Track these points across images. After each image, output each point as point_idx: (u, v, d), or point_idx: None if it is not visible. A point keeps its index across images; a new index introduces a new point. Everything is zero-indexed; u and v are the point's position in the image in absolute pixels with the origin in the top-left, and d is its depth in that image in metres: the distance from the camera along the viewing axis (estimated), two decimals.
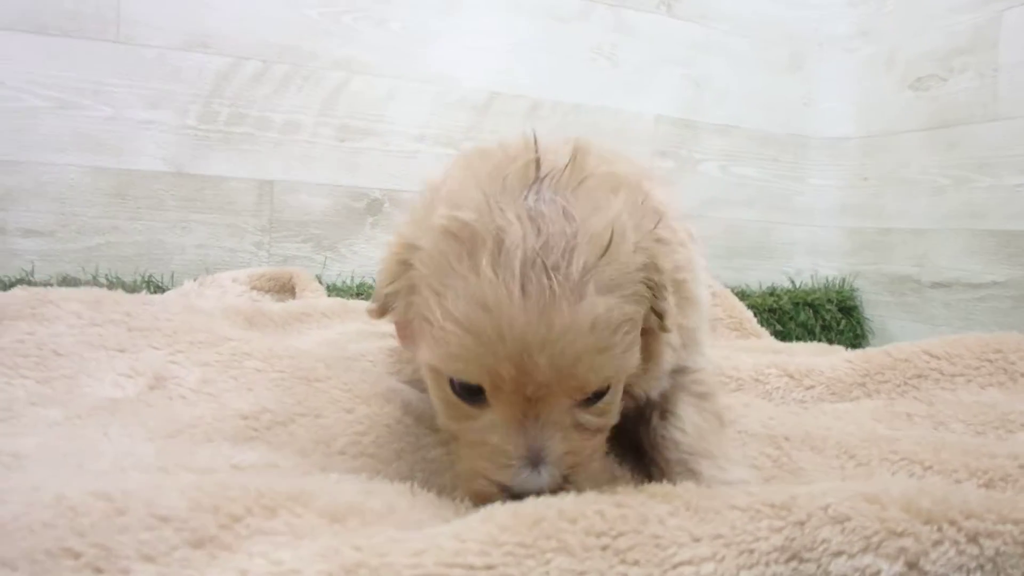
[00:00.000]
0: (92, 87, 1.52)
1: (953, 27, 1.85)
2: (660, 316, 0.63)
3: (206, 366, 0.92)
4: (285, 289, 1.52)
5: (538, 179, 0.58)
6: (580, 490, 0.57)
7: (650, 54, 1.95)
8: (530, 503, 0.53)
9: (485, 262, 0.54)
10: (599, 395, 0.60)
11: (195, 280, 1.48)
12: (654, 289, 0.61)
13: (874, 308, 2.04)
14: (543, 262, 0.53)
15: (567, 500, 0.54)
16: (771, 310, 1.98)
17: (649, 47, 1.95)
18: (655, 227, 0.66)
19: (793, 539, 0.51)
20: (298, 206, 1.69)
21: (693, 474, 0.70)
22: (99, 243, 1.56)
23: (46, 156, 1.51)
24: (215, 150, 1.62)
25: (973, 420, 0.97)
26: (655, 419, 0.75)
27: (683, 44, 1.98)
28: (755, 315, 1.94)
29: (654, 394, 0.74)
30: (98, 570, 0.44)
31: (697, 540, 0.50)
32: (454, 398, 0.60)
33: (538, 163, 0.59)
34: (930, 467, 0.79)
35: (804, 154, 2.14)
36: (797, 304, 2.00)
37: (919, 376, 1.10)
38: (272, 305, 1.33)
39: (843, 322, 2.01)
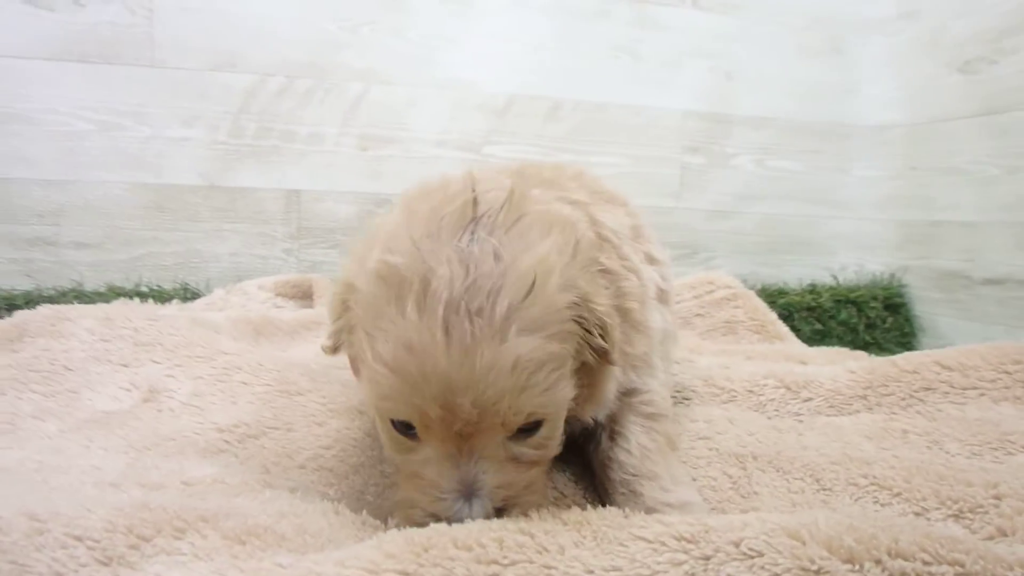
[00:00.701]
0: (132, 109, 1.64)
1: (1002, 5, 1.73)
2: (598, 352, 0.64)
3: (198, 379, 1.00)
4: (307, 295, 1.60)
5: (475, 219, 0.61)
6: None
7: (676, 48, 1.92)
8: (428, 529, 0.56)
9: (411, 305, 0.57)
10: (532, 429, 0.62)
11: (224, 289, 1.58)
12: (586, 325, 0.62)
13: (923, 305, 1.94)
14: (466, 305, 0.56)
15: (470, 527, 0.56)
16: (810, 308, 1.92)
17: (674, 41, 1.91)
18: (597, 259, 0.69)
19: (693, 575, 0.51)
20: (324, 214, 1.77)
21: (635, 495, 0.71)
22: (142, 253, 1.68)
23: (93, 175, 1.64)
24: (245, 163, 1.72)
25: (972, 439, 0.93)
26: (604, 440, 0.77)
27: (711, 35, 1.93)
28: (793, 314, 1.89)
29: (600, 417, 0.76)
30: None
31: (590, 572, 0.51)
32: (394, 432, 0.63)
33: (475, 202, 0.62)
34: (899, 494, 0.77)
35: (847, 144, 2.05)
36: (839, 302, 1.93)
37: (926, 389, 1.05)
38: (283, 314, 1.41)
39: (889, 320, 1.93)
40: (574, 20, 1.86)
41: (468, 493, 0.60)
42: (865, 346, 1.89)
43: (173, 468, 0.77)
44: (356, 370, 0.71)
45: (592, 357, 0.65)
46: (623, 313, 0.73)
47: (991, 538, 0.68)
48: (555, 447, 0.66)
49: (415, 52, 1.77)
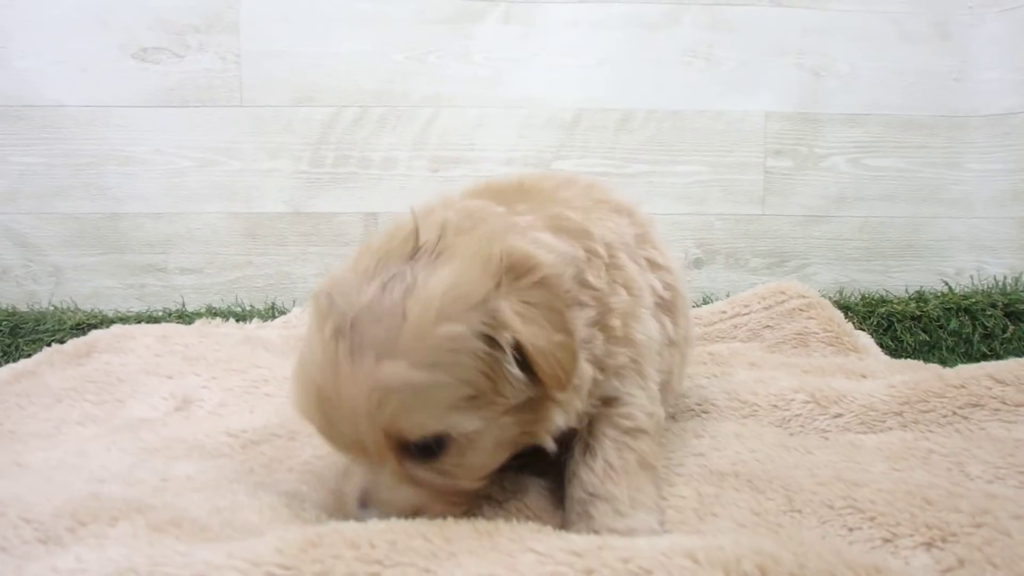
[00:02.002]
0: (225, 146, 1.81)
1: None
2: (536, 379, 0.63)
3: (229, 391, 1.08)
4: None
5: (415, 251, 0.64)
6: None
7: (754, 48, 1.83)
8: (327, 526, 0.59)
9: (315, 325, 0.62)
10: (428, 451, 0.63)
11: (301, 308, 1.69)
12: (492, 356, 0.62)
13: None
14: (350, 329, 0.59)
15: (367, 527, 0.59)
16: (914, 318, 1.75)
17: (752, 41, 1.83)
18: (582, 275, 0.70)
19: None
20: None
21: (587, 516, 0.69)
22: (237, 276, 1.84)
23: (194, 206, 1.81)
24: (326, 190, 1.83)
25: (1001, 462, 0.83)
26: (576, 452, 0.75)
27: (793, 32, 1.83)
28: (894, 324, 1.74)
29: (577, 423, 0.73)
30: None
31: None
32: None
33: (416, 235, 0.65)
34: (872, 518, 0.70)
35: (959, 136, 1.85)
36: (948, 310, 1.75)
37: (973, 405, 0.94)
38: None
39: (1011, 329, 1.72)
40: (641, 30, 1.82)
41: (363, 501, 0.63)
42: (982, 357, 1.70)
43: (162, 468, 0.83)
44: None
45: (520, 387, 0.63)
46: (605, 329, 0.72)
47: (949, 569, 0.61)
48: (470, 478, 0.66)
49: (481, 74, 1.81)
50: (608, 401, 0.76)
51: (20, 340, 1.73)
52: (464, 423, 0.62)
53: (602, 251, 0.75)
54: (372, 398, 0.59)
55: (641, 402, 0.77)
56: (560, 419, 0.69)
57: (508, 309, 0.62)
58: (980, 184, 1.86)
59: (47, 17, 1.76)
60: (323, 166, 1.82)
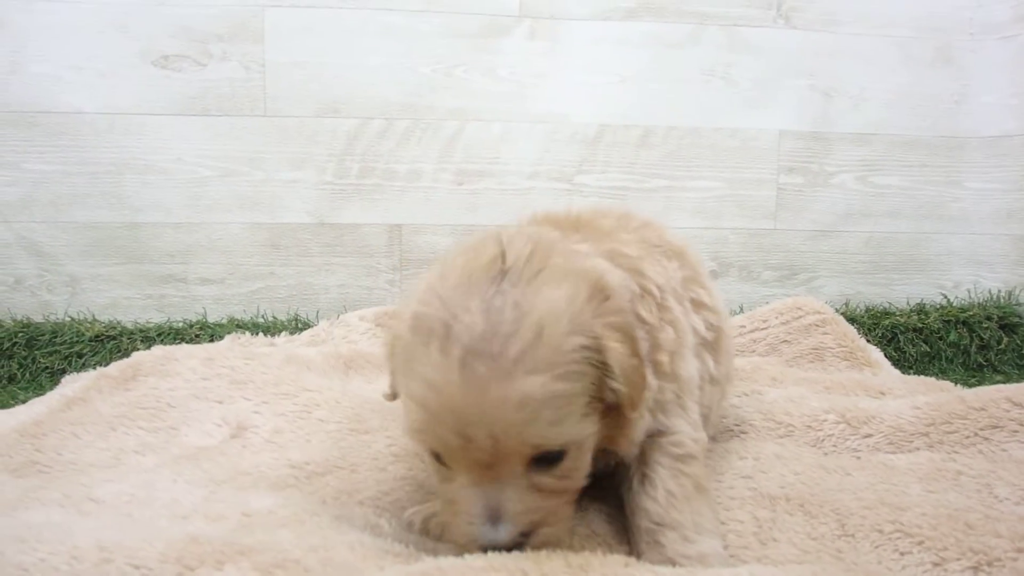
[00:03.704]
0: (248, 156, 1.79)
1: None
2: (619, 393, 0.68)
3: (281, 416, 1.09)
4: None
5: (502, 272, 0.67)
6: (537, 547, 0.66)
7: (769, 69, 1.89)
8: (427, 563, 0.63)
9: (435, 349, 0.64)
10: (554, 460, 0.67)
11: (328, 321, 1.69)
12: (600, 368, 0.67)
13: None
14: (481, 349, 0.62)
15: (466, 562, 0.62)
16: (916, 329, 1.85)
17: (768, 62, 1.89)
18: (635, 309, 0.75)
19: None
20: (424, 246, 1.86)
21: (658, 545, 0.74)
22: (259, 287, 1.83)
23: (215, 216, 1.80)
24: (350, 201, 1.83)
25: None
26: (635, 483, 0.80)
27: (807, 54, 1.89)
28: (898, 335, 1.83)
29: (628, 457, 0.79)
30: None
31: None
32: (432, 461, 0.70)
33: (504, 257, 0.68)
34: (921, 542, 0.76)
35: (959, 156, 1.95)
36: (948, 322, 1.84)
37: (994, 427, 1.02)
38: (374, 347, 1.50)
39: (1005, 341, 1.82)
40: (663, 49, 1.87)
41: (494, 518, 0.66)
42: (979, 368, 1.80)
43: (238, 501, 0.84)
44: None
45: (614, 397, 0.69)
46: (654, 364, 0.77)
47: None
48: (579, 479, 0.71)
49: (506, 90, 1.83)
50: (656, 433, 0.81)
51: (37, 352, 1.70)
52: (588, 428, 0.68)
53: (655, 290, 0.80)
54: (521, 413, 0.62)
55: (686, 429, 0.82)
56: (641, 429, 0.75)
57: (601, 328, 0.67)
58: (978, 202, 1.95)
59: (63, 22, 1.72)
60: (348, 177, 1.82)
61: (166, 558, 0.64)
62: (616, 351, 0.67)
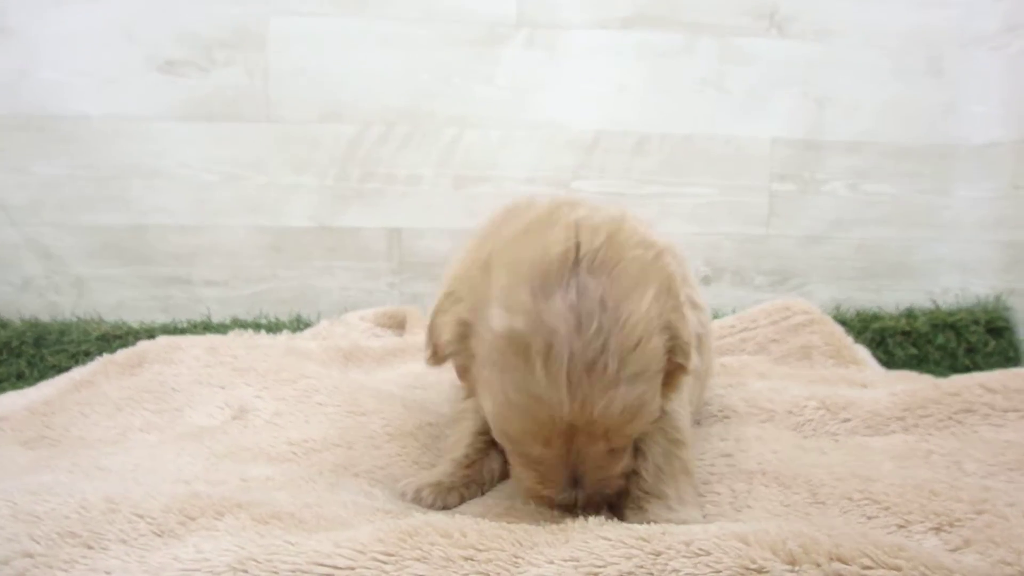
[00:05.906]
0: (251, 160, 1.83)
1: None
2: (681, 367, 0.76)
3: (282, 400, 1.13)
4: (400, 325, 1.72)
5: (576, 262, 0.69)
6: (604, 496, 0.76)
7: (762, 78, 1.93)
8: (415, 519, 0.66)
9: (539, 365, 0.67)
10: None
11: (329, 320, 1.73)
12: (673, 352, 0.74)
13: None
14: (583, 360, 0.66)
15: (455, 520, 0.66)
16: (905, 333, 1.88)
17: (761, 71, 1.93)
18: (680, 298, 0.78)
19: (641, 566, 0.58)
20: (424, 250, 1.90)
21: (641, 511, 0.79)
22: (262, 289, 1.87)
23: (219, 220, 1.84)
24: (351, 205, 1.87)
25: (992, 460, 0.94)
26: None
27: (799, 63, 1.93)
28: (887, 339, 1.86)
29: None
30: (88, 546, 0.62)
31: (551, 562, 0.60)
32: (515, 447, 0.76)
33: (578, 247, 0.70)
34: (887, 508, 0.79)
35: (948, 164, 1.99)
36: (936, 326, 1.88)
37: (966, 411, 1.05)
38: (373, 342, 1.54)
39: (991, 344, 1.86)
40: (658, 58, 1.91)
41: (574, 484, 0.73)
42: (965, 370, 1.82)
43: (238, 470, 0.88)
44: (464, 378, 0.81)
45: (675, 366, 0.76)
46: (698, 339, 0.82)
47: (956, 548, 0.70)
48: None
49: (505, 97, 1.88)
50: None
51: (45, 351, 1.74)
52: (657, 413, 0.75)
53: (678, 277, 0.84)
54: (624, 416, 0.68)
55: (681, 412, 0.87)
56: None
57: (676, 319, 0.73)
58: (966, 210, 1.99)
59: (71, 29, 1.76)
60: (349, 182, 1.86)
61: (169, 509, 0.67)
62: (685, 331, 0.74)
